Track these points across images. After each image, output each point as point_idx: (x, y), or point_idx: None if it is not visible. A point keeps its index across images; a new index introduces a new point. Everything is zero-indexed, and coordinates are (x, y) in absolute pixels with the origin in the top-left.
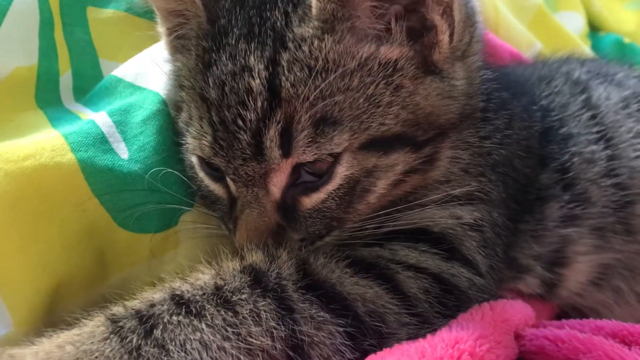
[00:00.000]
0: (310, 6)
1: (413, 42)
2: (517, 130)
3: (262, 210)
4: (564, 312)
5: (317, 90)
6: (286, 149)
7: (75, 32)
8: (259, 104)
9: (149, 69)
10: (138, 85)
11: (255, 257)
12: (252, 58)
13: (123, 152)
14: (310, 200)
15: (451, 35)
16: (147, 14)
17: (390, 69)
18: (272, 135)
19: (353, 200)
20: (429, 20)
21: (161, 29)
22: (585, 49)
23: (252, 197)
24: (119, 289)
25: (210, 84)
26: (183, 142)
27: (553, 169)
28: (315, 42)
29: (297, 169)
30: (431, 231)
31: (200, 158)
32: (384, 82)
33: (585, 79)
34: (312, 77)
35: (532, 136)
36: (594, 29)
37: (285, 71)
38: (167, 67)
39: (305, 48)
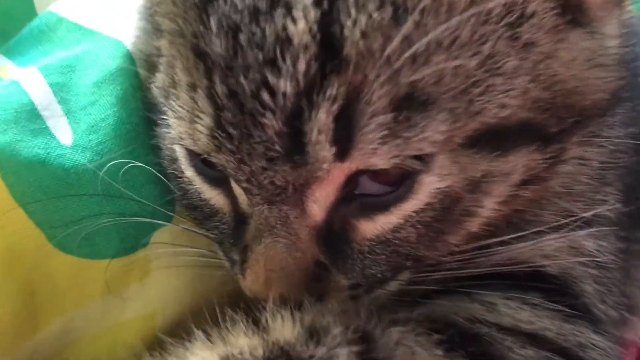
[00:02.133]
0: None
1: None
2: None
3: (294, 240)
4: None
5: (407, 48)
6: (344, 146)
7: None
8: (302, 66)
9: (107, 5)
10: (89, 28)
11: (287, 331)
12: None
13: (64, 133)
14: (374, 226)
15: None
16: None
17: (517, 14)
18: (322, 121)
19: (445, 229)
20: None
21: None
22: None
23: (277, 219)
24: (60, 341)
25: (213, 28)
26: (159, 120)
27: None
28: None
29: (354, 176)
30: (546, 274)
31: (189, 150)
32: (507, 35)
33: None
34: (397, 23)
35: None
36: None
37: (352, 9)
38: (137, 2)
39: None
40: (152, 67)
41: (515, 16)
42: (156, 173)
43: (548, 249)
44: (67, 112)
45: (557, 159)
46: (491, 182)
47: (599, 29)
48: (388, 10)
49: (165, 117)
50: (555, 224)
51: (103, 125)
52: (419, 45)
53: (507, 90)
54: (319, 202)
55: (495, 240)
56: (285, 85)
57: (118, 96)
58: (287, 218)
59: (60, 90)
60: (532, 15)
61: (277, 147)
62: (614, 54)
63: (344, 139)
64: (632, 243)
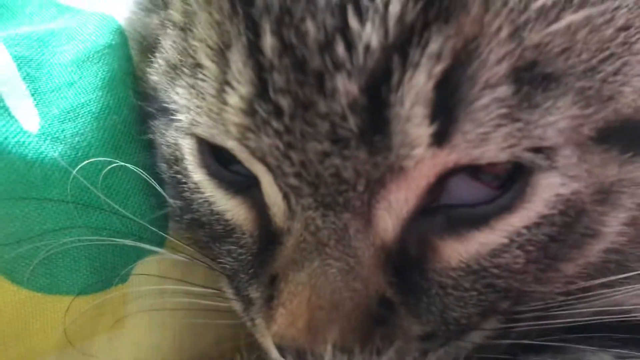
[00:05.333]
0: None
1: None
2: None
3: (353, 264)
4: None
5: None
6: (445, 127)
7: None
8: (397, 6)
9: None
10: (67, 5)
11: None
12: None
13: (29, 118)
14: (465, 248)
15: None
16: None
17: None
18: (418, 87)
19: (562, 254)
20: None
21: None
22: None
23: (333, 233)
24: None
25: None
26: (157, 109)
27: None
28: None
29: (446, 176)
30: None
31: (203, 141)
32: None
33: None
34: None
35: None
36: None
37: None
38: None
39: None
40: (149, 50)
41: None
42: (147, 178)
43: None
44: (34, 93)
45: None
46: (620, 193)
47: None
48: None
49: (168, 103)
50: None
51: (82, 112)
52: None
53: None
54: (394, 210)
55: (599, 281)
56: (369, 34)
57: (104, 79)
58: (345, 232)
59: (27, 65)
60: None
61: (350, 122)
62: None
63: (447, 115)
64: None
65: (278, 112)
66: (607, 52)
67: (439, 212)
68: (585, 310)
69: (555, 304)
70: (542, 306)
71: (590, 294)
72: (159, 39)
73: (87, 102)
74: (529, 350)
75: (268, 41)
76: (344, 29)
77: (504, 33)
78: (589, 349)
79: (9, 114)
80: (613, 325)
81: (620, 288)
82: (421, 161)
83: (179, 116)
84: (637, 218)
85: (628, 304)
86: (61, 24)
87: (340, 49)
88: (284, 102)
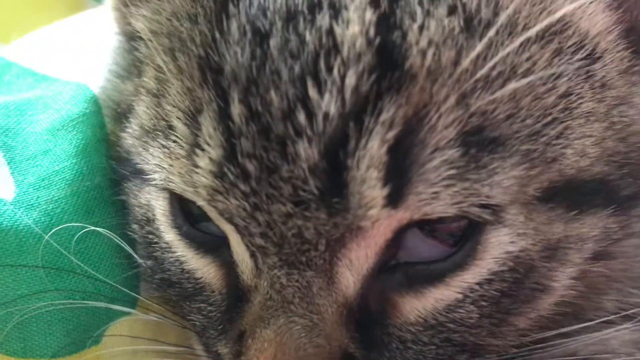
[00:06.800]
0: None
1: (623, 5)
2: None
3: (316, 321)
4: None
5: (480, 67)
6: (398, 188)
7: None
8: (353, 79)
9: (68, 50)
10: (44, 74)
11: None
12: None
13: (4, 186)
14: (421, 304)
15: None
16: None
17: (590, 50)
18: (373, 152)
19: (514, 308)
20: None
21: None
22: None
23: (297, 290)
24: None
25: (233, 34)
26: (130, 171)
27: None
28: None
29: (402, 234)
30: None
31: (175, 201)
32: (583, 71)
33: None
34: (472, 35)
35: None
36: None
37: (418, 12)
38: (106, 47)
39: None
40: (123, 115)
41: (588, 52)
42: (119, 241)
43: (614, 344)
44: (10, 161)
45: (622, 232)
46: (567, 249)
47: None
48: (460, 18)
49: (142, 164)
50: (623, 313)
51: (56, 179)
52: (492, 66)
53: (584, 136)
54: (355, 267)
55: (555, 332)
56: (328, 103)
57: (78, 146)
58: (309, 289)
59: (4, 134)
60: (604, 53)
61: (310, 185)
62: None
63: (400, 177)
64: None
65: (245, 175)
66: (549, 118)
67: (398, 269)
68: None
69: (510, 356)
70: (497, 359)
71: (546, 344)
72: (132, 105)
73: (62, 169)
74: None
75: (236, 109)
76: (304, 99)
77: (451, 101)
78: None
79: None
80: None
81: (577, 337)
82: (377, 221)
83: (153, 175)
84: (586, 272)
85: (584, 353)
86: (38, 92)
87: (301, 117)
88: (251, 166)
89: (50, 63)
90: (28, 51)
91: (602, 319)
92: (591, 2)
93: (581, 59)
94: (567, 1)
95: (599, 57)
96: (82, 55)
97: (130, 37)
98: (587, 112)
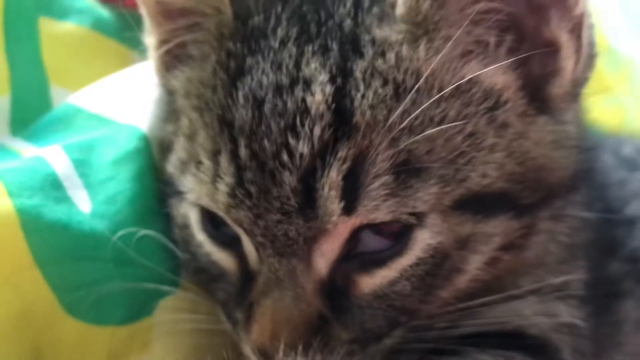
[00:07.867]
0: (392, 4)
1: (520, 68)
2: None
3: (300, 292)
4: None
5: (405, 119)
6: (350, 202)
7: (20, 49)
8: (318, 131)
9: (122, 98)
10: (106, 118)
11: None
12: (310, 66)
13: (83, 203)
14: (372, 281)
15: (576, 63)
16: (118, 33)
17: (494, 100)
18: (332, 179)
19: (436, 283)
20: (547, 38)
21: (150, 39)
22: None
23: (286, 272)
24: None
25: (240, 100)
26: (172, 191)
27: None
28: (404, 50)
29: (357, 233)
30: (526, 334)
31: (203, 213)
32: (487, 116)
33: None
34: (399, 99)
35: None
36: None
37: (361, 86)
38: (152, 94)
39: (391, 56)
40: (166, 149)
41: (492, 102)
42: (165, 241)
43: (526, 312)
44: (87, 186)
45: (531, 229)
46: (476, 242)
47: (560, 118)
48: (390, 88)
49: (179, 186)
50: (530, 288)
51: (120, 198)
52: (414, 118)
53: (487, 163)
54: (325, 256)
55: (479, 301)
56: (302, 147)
57: (134, 173)
58: (294, 271)
59: (81, 165)
60: (506, 102)
61: (292, 201)
62: (574, 138)
63: (351, 196)
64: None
65: (249, 195)
66: (458, 151)
67: (356, 257)
68: (473, 324)
69: (444, 319)
70: (431, 321)
71: (472, 311)
72: (172, 142)
73: (123, 190)
74: (438, 353)
75: (242, 150)
76: (287, 144)
77: (385, 144)
78: (474, 350)
79: (71, 201)
80: (494, 334)
81: (497, 307)
82: (337, 225)
83: (188, 195)
84: (497, 258)
85: (502, 319)
86: (102, 132)
87: (285, 156)
88: (253, 189)
89: (110, 108)
90: (93, 97)
91: (512, 292)
92: (493, 67)
93: (486, 107)
94: (475, 67)
95: (501, 105)
96: (132, 102)
97: (170, 91)
98: (490, 145)
